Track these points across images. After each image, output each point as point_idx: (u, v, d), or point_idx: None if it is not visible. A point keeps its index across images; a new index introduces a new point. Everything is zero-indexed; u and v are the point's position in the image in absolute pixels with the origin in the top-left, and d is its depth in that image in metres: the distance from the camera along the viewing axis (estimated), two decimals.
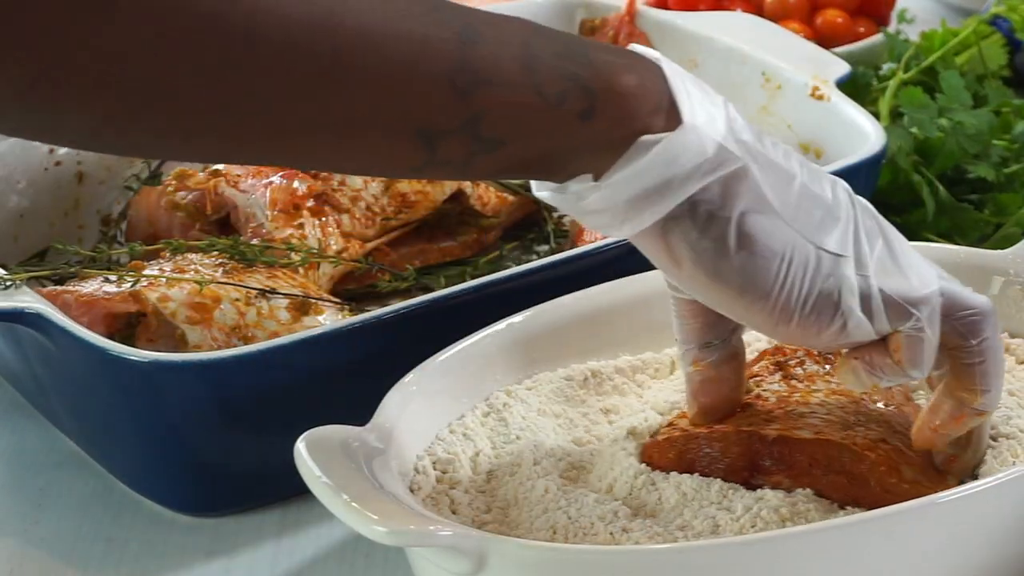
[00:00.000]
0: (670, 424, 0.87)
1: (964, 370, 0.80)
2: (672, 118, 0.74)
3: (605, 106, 0.73)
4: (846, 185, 0.80)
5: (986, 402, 0.81)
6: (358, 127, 0.70)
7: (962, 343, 0.80)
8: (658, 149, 0.73)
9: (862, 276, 0.77)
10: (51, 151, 1.20)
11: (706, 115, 0.75)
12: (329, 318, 1.02)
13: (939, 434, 0.82)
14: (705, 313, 0.81)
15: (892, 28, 1.44)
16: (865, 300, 0.77)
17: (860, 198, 0.80)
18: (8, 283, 0.99)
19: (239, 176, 1.13)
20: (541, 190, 0.77)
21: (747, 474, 0.82)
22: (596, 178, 0.75)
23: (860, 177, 1.10)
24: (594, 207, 0.75)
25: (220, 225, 1.14)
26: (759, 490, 0.81)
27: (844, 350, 0.81)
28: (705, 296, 0.78)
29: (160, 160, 1.21)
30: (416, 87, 0.70)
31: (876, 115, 1.25)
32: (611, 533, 0.79)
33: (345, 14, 0.69)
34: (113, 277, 1.02)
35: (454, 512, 0.83)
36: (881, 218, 0.80)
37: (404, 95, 0.70)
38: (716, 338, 0.83)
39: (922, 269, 0.79)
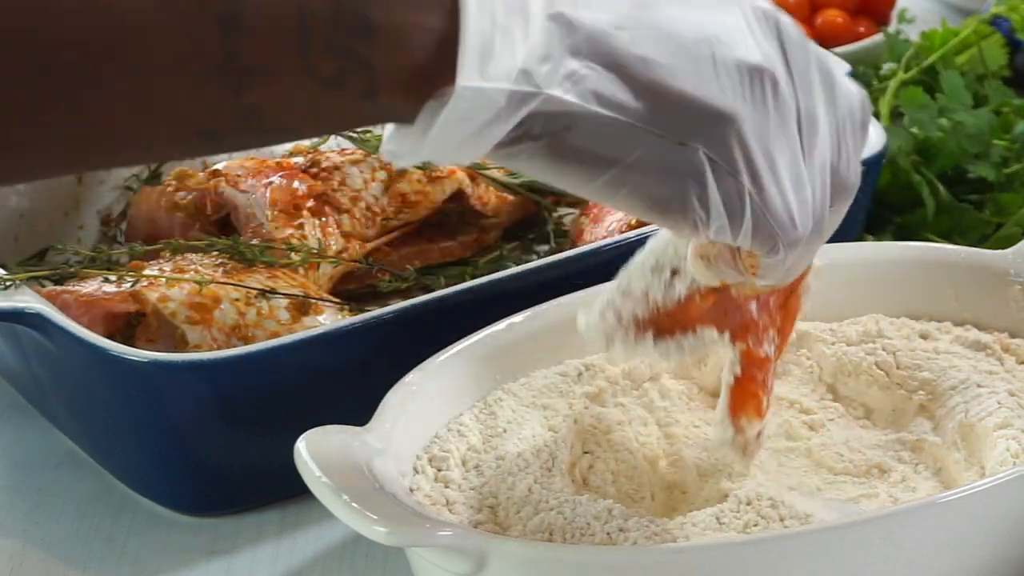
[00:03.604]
0: None
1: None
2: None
3: (387, 85, 0.69)
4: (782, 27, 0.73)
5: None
6: (135, 133, 0.67)
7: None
8: (442, 120, 0.69)
9: (735, 180, 0.72)
10: None
11: (495, 60, 0.69)
12: (329, 318, 1.02)
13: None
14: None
15: (892, 28, 1.44)
16: (737, 211, 0.73)
17: (807, 43, 0.74)
18: (8, 283, 0.99)
19: (239, 176, 1.13)
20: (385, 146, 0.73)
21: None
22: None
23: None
24: (432, 154, 0.71)
25: (220, 225, 1.14)
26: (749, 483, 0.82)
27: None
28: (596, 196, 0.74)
29: None
30: (184, 91, 0.66)
31: (876, 115, 1.25)
32: (608, 533, 0.79)
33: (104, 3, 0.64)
34: (113, 277, 1.02)
35: (452, 512, 0.83)
36: (810, 59, 0.73)
37: (173, 101, 0.66)
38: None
39: (813, 187, 0.75)
